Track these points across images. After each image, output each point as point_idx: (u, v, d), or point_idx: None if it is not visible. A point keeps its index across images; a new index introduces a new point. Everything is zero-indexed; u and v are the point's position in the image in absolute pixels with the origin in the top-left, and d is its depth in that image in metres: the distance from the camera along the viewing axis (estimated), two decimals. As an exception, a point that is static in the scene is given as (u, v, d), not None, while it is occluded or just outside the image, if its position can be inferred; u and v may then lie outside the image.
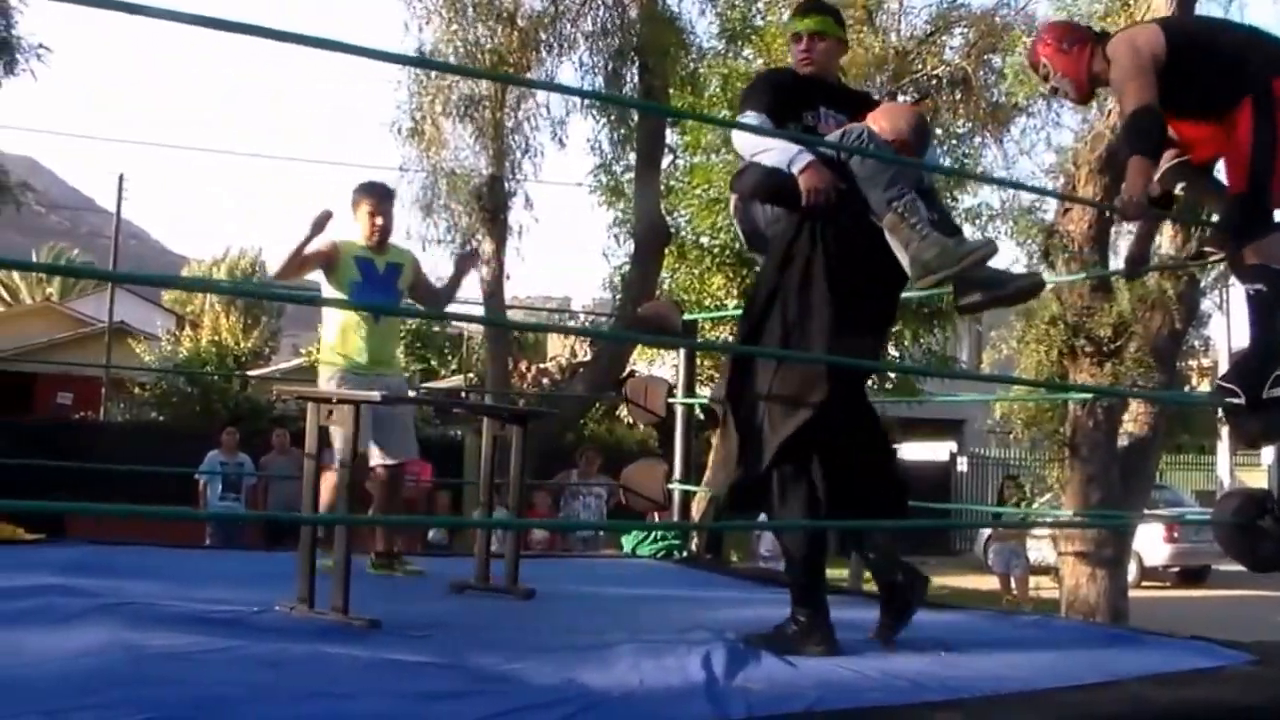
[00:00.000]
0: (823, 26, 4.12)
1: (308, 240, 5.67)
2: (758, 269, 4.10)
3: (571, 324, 34.51)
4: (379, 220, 5.93)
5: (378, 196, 6.00)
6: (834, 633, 3.68)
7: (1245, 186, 4.11)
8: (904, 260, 3.64)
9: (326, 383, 5.74)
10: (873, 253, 3.72)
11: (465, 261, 7.35)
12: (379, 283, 5.87)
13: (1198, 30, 4.64)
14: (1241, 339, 4.64)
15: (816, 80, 4.09)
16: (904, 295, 4.16)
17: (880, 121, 3.89)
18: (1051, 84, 4.50)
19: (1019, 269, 13.07)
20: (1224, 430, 23.35)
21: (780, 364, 3.74)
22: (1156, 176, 4.46)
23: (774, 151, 3.77)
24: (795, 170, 3.69)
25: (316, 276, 5.89)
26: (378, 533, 6.07)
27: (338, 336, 5.85)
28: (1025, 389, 10.71)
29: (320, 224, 5.65)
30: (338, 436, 4.73)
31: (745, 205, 4.00)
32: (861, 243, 3.73)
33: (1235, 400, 4.18)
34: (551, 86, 15.39)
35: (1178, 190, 4.46)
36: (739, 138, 3.96)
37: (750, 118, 3.87)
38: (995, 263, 3.68)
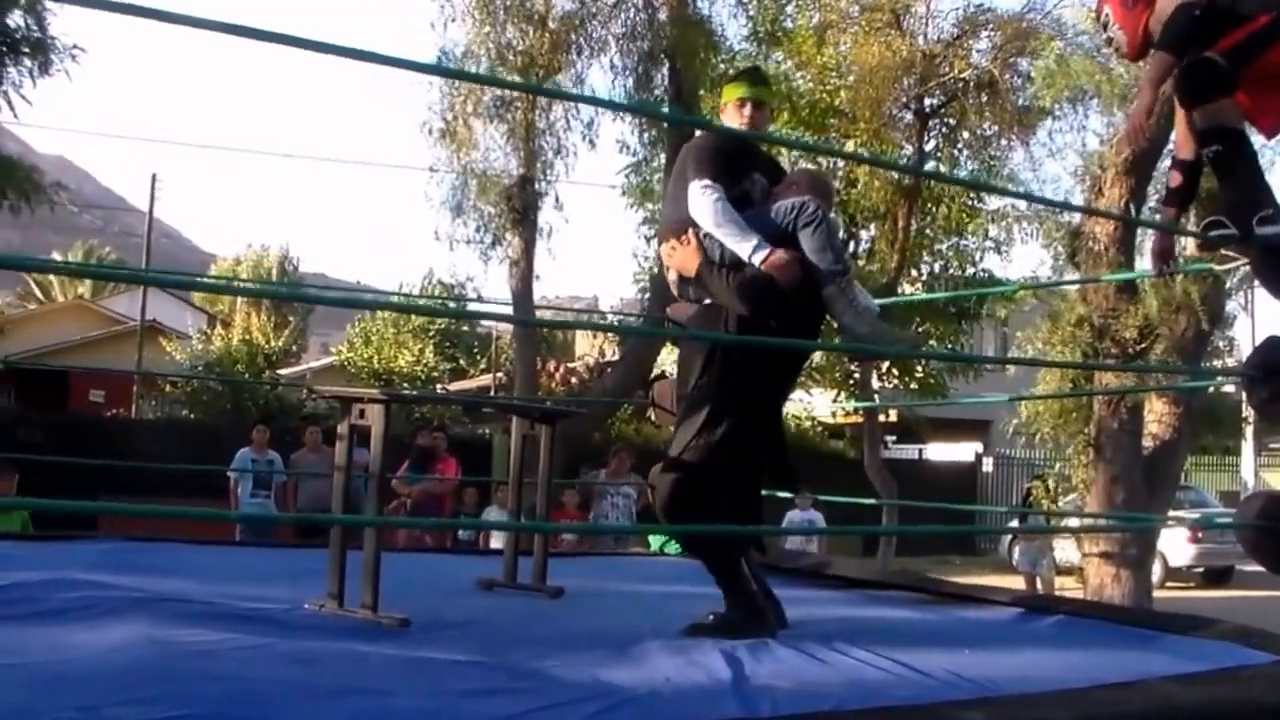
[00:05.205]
0: (767, 96, 4.38)
1: None
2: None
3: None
4: None
5: None
6: (771, 614, 4.05)
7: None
8: (837, 320, 4.01)
9: None
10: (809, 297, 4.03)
11: None
12: None
13: None
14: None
15: (754, 147, 4.35)
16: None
17: (807, 193, 4.09)
18: (1108, 34, 4.63)
19: (1044, 270, 13.06)
20: (1249, 431, 23.27)
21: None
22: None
23: (735, 236, 3.93)
24: (756, 261, 3.88)
25: None
26: None
27: None
28: (1051, 389, 10.70)
29: None
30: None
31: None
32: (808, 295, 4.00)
33: (1227, 231, 4.23)
34: (577, 98, 15.35)
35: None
36: (702, 210, 4.00)
37: (710, 190, 3.97)
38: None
